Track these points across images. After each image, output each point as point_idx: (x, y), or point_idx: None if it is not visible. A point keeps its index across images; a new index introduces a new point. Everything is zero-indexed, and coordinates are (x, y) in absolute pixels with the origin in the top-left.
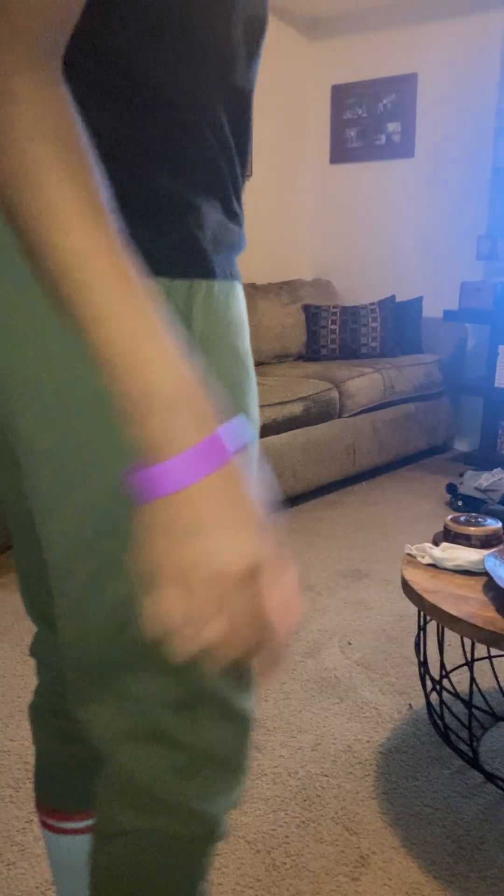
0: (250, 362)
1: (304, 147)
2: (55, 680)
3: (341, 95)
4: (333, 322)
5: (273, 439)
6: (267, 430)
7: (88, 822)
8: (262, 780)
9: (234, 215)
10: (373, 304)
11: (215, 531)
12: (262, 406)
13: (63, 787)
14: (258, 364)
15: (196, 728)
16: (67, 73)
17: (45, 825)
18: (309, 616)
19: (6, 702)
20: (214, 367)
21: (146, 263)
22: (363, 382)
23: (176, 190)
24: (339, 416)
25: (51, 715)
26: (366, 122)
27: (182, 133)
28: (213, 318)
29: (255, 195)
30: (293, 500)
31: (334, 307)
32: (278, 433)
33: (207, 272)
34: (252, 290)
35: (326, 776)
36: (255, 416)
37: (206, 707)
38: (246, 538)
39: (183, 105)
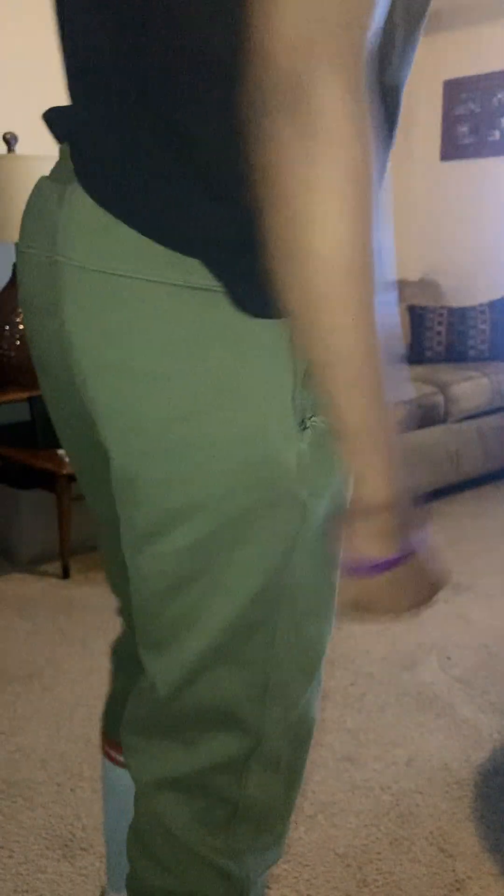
0: None
1: (412, 144)
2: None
3: (454, 90)
4: (440, 323)
5: None
6: None
7: None
8: (353, 792)
9: None
10: (482, 305)
11: (432, 579)
12: None
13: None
14: None
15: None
16: None
17: (111, 758)
18: (406, 628)
19: (100, 697)
20: None
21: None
22: (470, 387)
23: None
24: (444, 422)
25: (132, 658)
26: (479, 117)
27: None
28: None
29: None
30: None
31: (441, 308)
32: None
33: None
34: None
35: (421, 793)
36: None
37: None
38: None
39: None
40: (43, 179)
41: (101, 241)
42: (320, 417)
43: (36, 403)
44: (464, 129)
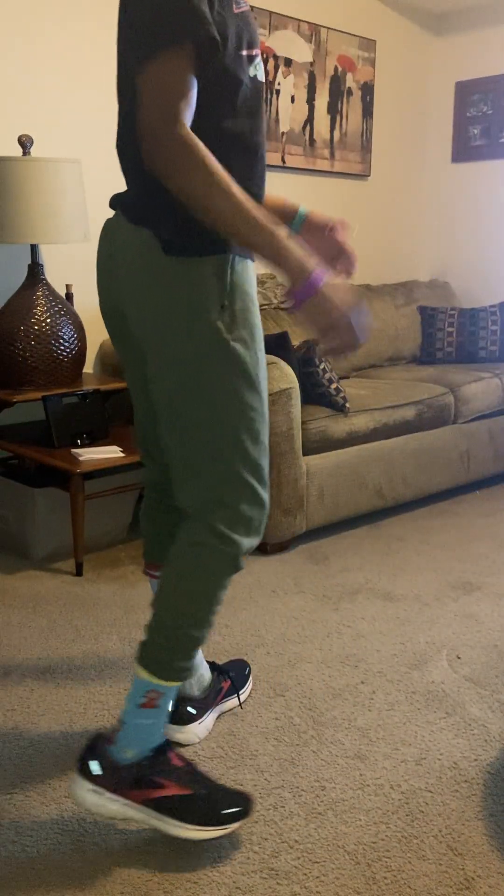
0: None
1: (424, 146)
2: (158, 485)
3: (466, 92)
4: (451, 324)
5: (384, 444)
6: (378, 434)
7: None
8: (363, 790)
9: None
10: (493, 306)
11: (337, 304)
12: (373, 409)
13: (159, 550)
14: (370, 366)
15: (240, 501)
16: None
17: (150, 575)
18: (416, 627)
19: (114, 693)
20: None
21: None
22: (480, 388)
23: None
24: (454, 422)
25: (158, 506)
26: (491, 119)
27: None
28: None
29: (372, 194)
30: (403, 507)
31: (452, 309)
32: (389, 437)
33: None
34: (366, 291)
35: (430, 792)
36: (262, 346)
37: (245, 495)
38: (346, 304)
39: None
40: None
41: (132, 235)
42: (228, 301)
43: (50, 403)
44: (475, 130)
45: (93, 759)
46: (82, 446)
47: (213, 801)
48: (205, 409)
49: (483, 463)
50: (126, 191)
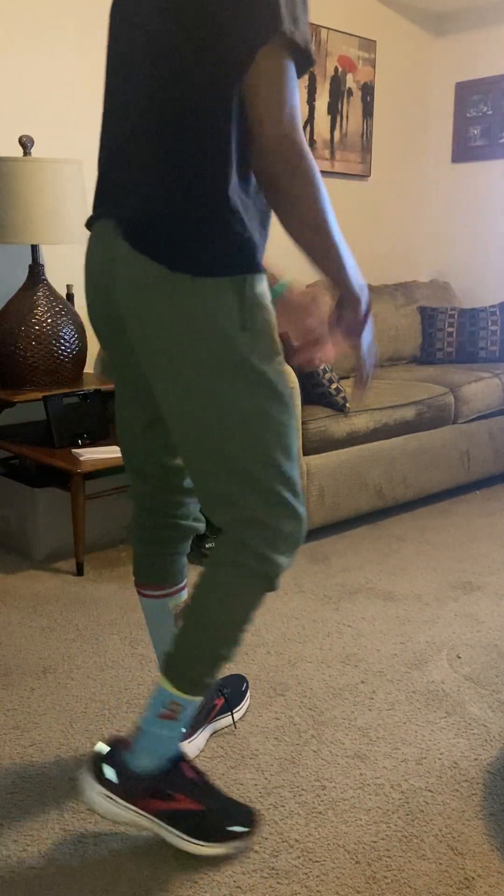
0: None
1: (424, 146)
2: (147, 503)
3: (466, 92)
4: (451, 325)
5: (384, 444)
6: (378, 434)
7: (161, 592)
8: (363, 790)
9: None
10: (493, 306)
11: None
12: (373, 409)
13: (149, 571)
14: None
15: (280, 519)
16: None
17: (141, 594)
18: (416, 627)
19: (114, 693)
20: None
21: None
22: (480, 387)
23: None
24: (454, 422)
25: (146, 524)
26: (491, 119)
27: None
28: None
29: (372, 195)
30: (403, 507)
31: (452, 309)
32: (389, 438)
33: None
34: None
35: (431, 791)
36: (282, 354)
37: (285, 512)
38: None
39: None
40: (96, 233)
41: (137, 262)
42: (249, 320)
43: (51, 403)
44: (475, 131)
45: (109, 765)
46: (83, 446)
47: (221, 818)
48: (236, 438)
49: (483, 463)
50: (125, 202)
